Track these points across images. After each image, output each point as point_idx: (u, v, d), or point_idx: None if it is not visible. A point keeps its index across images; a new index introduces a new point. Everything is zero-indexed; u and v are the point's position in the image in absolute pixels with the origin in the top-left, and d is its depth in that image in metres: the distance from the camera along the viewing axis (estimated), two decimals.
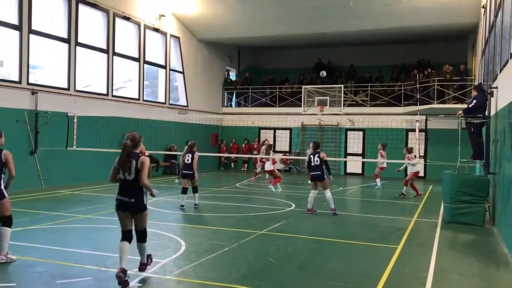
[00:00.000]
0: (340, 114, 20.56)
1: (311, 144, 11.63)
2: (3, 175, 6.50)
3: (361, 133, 23.37)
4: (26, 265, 6.45)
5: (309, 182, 11.76)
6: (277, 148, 25.28)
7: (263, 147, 17.15)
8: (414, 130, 12.47)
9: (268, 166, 15.99)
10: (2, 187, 6.48)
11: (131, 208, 5.81)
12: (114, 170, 5.97)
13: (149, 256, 6.27)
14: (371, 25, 21.48)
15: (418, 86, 21.04)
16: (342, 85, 21.23)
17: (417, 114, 13.35)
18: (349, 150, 23.73)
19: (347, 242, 8.47)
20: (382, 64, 26.00)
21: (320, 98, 20.66)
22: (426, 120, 12.20)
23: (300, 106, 21.62)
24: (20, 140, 14.41)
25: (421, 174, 22.53)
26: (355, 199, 15.35)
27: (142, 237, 6.02)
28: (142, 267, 6.18)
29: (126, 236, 5.85)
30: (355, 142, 22.82)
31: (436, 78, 20.50)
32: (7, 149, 6.77)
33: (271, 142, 25.19)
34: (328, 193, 11.24)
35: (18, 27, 14.58)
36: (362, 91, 24.30)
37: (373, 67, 25.87)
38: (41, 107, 15.12)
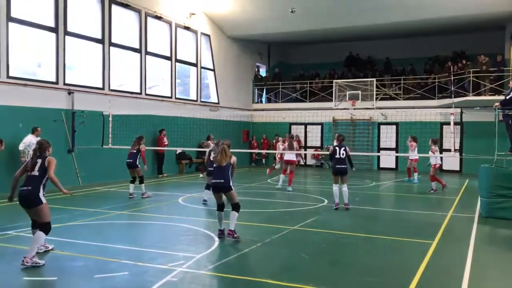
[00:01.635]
0: (373, 108, 20.30)
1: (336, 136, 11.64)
2: (44, 181, 6.57)
3: (394, 127, 23.02)
4: (66, 259, 6.68)
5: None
6: (308, 144, 25.21)
7: (285, 143, 15.53)
8: (448, 124, 12.21)
9: (291, 156, 14.85)
10: (41, 193, 6.48)
11: (223, 188, 7.86)
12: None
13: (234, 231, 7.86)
14: (404, 16, 21.08)
15: (452, 78, 20.54)
16: (374, 79, 20.94)
17: (452, 107, 13.05)
18: (382, 145, 23.41)
19: (381, 237, 8.39)
20: (415, 56, 25.51)
21: (351, 92, 20.46)
22: (461, 112, 11.91)
23: (331, 100, 21.45)
24: (58, 139, 14.86)
25: (457, 168, 22.17)
26: (389, 194, 15.14)
27: (235, 208, 7.98)
28: (229, 232, 7.85)
29: (220, 207, 8.05)
30: (388, 136, 22.49)
31: (471, 70, 19.95)
32: None
33: (302, 138, 25.18)
34: (345, 188, 11.14)
35: (54, 29, 15.02)
36: (395, 84, 23.90)
37: (405, 59, 25.40)
38: (77, 107, 15.54)
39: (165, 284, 5.65)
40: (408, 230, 9.12)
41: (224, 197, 8.14)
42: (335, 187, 11.19)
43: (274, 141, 24.50)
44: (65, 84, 15.37)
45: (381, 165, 23.84)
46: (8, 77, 13.54)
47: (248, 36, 25.08)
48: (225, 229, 7.98)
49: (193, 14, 21.63)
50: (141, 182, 12.73)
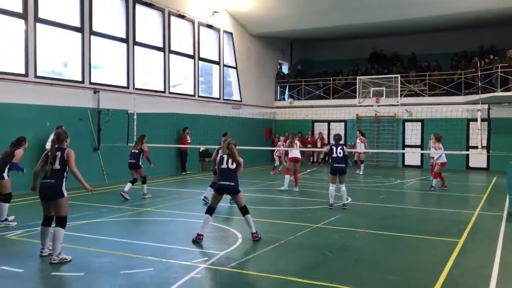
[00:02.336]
0: (397, 105, 20.03)
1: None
2: (66, 174, 6.57)
3: (419, 124, 22.68)
4: (93, 255, 6.80)
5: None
6: (331, 141, 25.01)
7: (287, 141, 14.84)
8: (475, 120, 11.94)
9: (295, 154, 14.31)
10: (64, 187, 6.52)
11: (231, 191, 7.69)
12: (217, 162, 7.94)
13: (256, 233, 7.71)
14: (429, 11, 20.72)
15: (479, 73, 20.10)
16: (398, 75, 20.65)
17: (479, 103, 12.77)
18: (407, 142, 23.10)
19: (405, 235, 8.28)
20: (440, 52, 25.04)
21: (375, 89, 20.22)
22: (489, 109, 11.65)
23: (355, 97, 21.25)
24: (84, 137, 15.14)
25: (484, 165, 21.71)
26: (413, 192, 14.93)
27: (245, 211, 7.71)
28: (254, 235, 7.69)
29: (211, 211, 7.68)
30: (413, 133, 22.17)
31: (499, 65, 19.49)
32: (72, 146, 7.05)
33: (325, 135, 25.02)
34: (344, 188, 10.92)
35: (80, 29, 15.28)
36: (420, 80, 23.53)
37: (430, 55, 24.97)
38: (103, 105, 15.79)
39: (189, 280, 5.71)
40: (434, 228, 8.97)
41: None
42: (332, 187, 10.93)
43: (308, 137, 24.48)
44: (90, 83, 15.63)
45: (406, 163, 23.52)
46: (36, 76, 13.84)
47: (270, 34, 25.03)
48: (204, 235, 7.56)
49: (215, 12, 21.71)
50: (143, 182, 12.37)
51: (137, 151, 12.40)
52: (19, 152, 8.91)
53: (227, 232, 8.39)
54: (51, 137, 13.11)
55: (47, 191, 6.44)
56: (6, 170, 8.83)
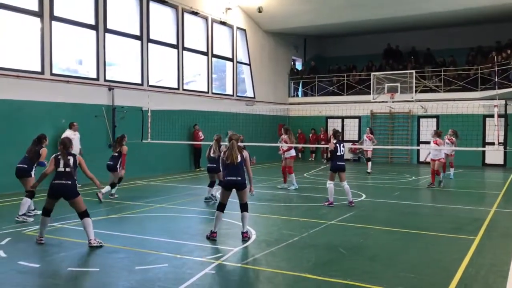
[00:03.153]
0: (412, 101, 19.84)
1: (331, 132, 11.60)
2: (76, 176, 7.34)
3: (434, 120, 22.45)
4: (108, 251, 6.87)
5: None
6: (346, 137, 24.90)
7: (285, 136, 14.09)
8: (492, 116, 11.78)
9: (293, 152, 14.04)
10: (76, 187, 7.30)
11: (239, 185, 7.52)
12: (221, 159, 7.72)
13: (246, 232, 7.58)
14: (445, 6, 20.46)
15: (496, 68, 19.80)
16: (413, 71, 20.45)
17: (496, 99, 12.59)
18: (422, 138, 22.86)
19: (420, 233, 8.22)
20: (455, 47, 24.74)
21: (390, 85, 20.05)
22: (506, 104, 11.48)
23: (369, 93, 21.09)
24: (99, 134, 15.27)
25: (501, 162, 21.42)
26: (429, 188, 14.78)
27: (245, 208, 7.62)
28: (245, 235, 7.52)
29: (222, 207, 7.60)
30: (428, 130, 21.92)
31: None
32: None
33: (340, 131, 24.86)
34: (347, 185, 10.79)
35: (94, 27, 15.39)
36: (435, 76, 23.27)
37: (446, 50, 24.66)
38: (118, 102, 15.90)
39: (203, 276, 5.73)
40: (449, 225, 8.88)
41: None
42: (331, 184, 10.79)
43: (321, 134, 24.40)
44: (105, 80, 15.75)
45: (421, 159, 23.29)
46: (52, 74, 13.99)
47: (283, 30, 24.95)
48: (217, 232, 7.51)
49: (229, 8, 21.70)
50: (113, 186, 11.50)
51: (116, 154, 11.75)
52: (44, 151, 9.43)
53: (241, 228, 8.39)
54: (64, 134, 13.39)
55: (63, 192, 7.13)
56: (34, 168, 9.30)
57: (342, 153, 10.84)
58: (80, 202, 7.13)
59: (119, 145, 11.84)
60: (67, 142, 7.45)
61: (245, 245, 7.21)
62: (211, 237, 7.44)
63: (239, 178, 7.53)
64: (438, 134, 14.15)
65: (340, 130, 11.37)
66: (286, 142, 13.67)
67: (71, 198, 7.09)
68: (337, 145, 10.82)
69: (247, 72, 23.62)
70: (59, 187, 7.08)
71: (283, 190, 13.38)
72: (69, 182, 7.09)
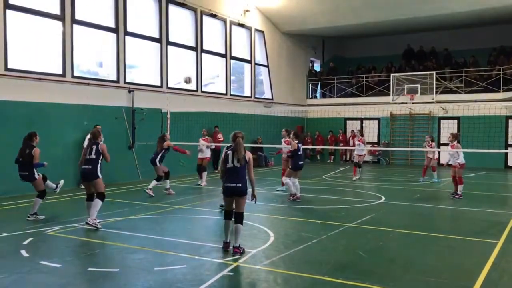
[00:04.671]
0: (433, 102, 19.59)
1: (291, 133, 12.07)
2: (100, 161, 8.54)
3: (455, 121, 22.12)
4: (127, 252, 6.94)
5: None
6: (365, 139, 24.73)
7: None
8: None
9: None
10: (98, 170, 8.50)
11: (239, 193, 6.81)
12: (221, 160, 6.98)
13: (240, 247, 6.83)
14: (466, 6, 20.16)
15: None
16: (434, 72, 20.19)
17: None
18: (443, 140, 22.53)
19: (441, 236, 8.09)
20: (477, 47, 24.35)
21: (410, 86, 19.84)
22: None
23: (389, 95, 20.91)
24: (119, 136, 15.44)
25: None
26: (449, 191, 14.56)
27: (240, 220, 6.89)
28: (235, 250, 6.80)
29: (228, 215, 6.99)
30: (449, 131, 21.58)
31: None
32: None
33: (300, 132, 24.51)
34: (297, 183, 11.64)
35: (114, 30, 15.59)
36: (456, 77, 22.93)
37: (467, 51, 24.29)
38: (137, 104, 16.06)
39: (221, 278, 5.74)
40: (471, 228, 8.74)
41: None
42: (291, 181, 11.49)
43: (340, 136, 24.32)
44: (125, 82, 15.92)
45: (442, 161, 22.93)
46: (73, 76, 14.20)
47: (302, 31, 24.89)
48: (231, 241, 6.90)
49: (247, 10, 21.75)
50: (159, 180, 12.27)
51: (161, 149, 12.56)
52: (36, 152, 9.19)
53: (259, 230, 8.40)
54: (89, 136, 13.63)
55: (86, 175, 8.51)
56: (35, 171, 9.19)
57: (301, 153, 11.64)
58: (98, 184, 8.44)
59: (159, 143, 12.68)
60: (96, 133, 8.76)
61: (263, 247, 7.19)
62: (226, 249, 6.86)
63: (240, 185, 6.75)
64: (455, 136, 12.70)
65: (298, 132, 11.99)
66: (287, 144, 13.16)
67: (92, 179, 8.44)
68: (299, 145, 11.60)
69: (265, 73, 23.62)
70: (83, 172, 8.51)
71: (303, 192, 13.30)
72: (90, 167, 8.42)
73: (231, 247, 6.83)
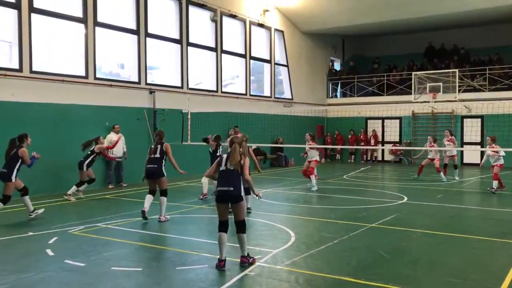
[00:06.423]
0: (455, 101, 19.27)
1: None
2: (164, 161, 9.19)
3: (479, 120, 21.72)
4: (150, 251, 7.02)
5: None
6: (386, 139, 24.48)
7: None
8: None
9: (317, 156, 13.91)
10: (163, 169, 9.17)
11: (231, 198, 6.16)
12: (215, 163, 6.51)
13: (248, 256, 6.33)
14: (488, 2, 19.77)
15: None
16: (456, 70, 19.86)
17: None
18: (466, 139, 22.17)
19: (466, 236, 7.96)
20: (501, 44, 23.86)
21: (432, 85, 19.55)
22: None
23: (410, 93, 20.63)
24: (141, 136, 15.59)
25: None
26: (473, 191, 14.32)
27: (241, 228, 6.24)
28: (243, 259, 6.27)
29: (223, 227, 6.21)
30: (472, 130, 21.25)
31: None
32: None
33: (379, 133, 24.46)
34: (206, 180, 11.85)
35: (136, 32, 15.75)
36: (480, 75, 22.52)
37: (491, 48, 23.83)
38: (158, 105, 16.21)
39: (243, 278, 5.76)
40: (497, 229, 8.57)
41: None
42: (206, 179, 11.68)
43: (361, 135, 24.15)
44: (146, 84, 16.08)
45: (465, 161, 22.59)
46: (95, 78, 14.41)
47: (321, 31, 24.75)
48: (226, 259, 6.15)
49: (266, 10, 21.74)
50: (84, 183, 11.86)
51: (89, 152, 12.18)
52: (24, 153, 9.15)
53: (280, 230, 8.39)
54: (108, 137, 13.84)
55: (152, 173, 9.12)
56: (15, 172, 9.08)
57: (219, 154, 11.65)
58: (162, 181, 9.09)
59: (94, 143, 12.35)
60: (160, 134, 9.35)
61: (284, 247, 7.18)
62: (219, 267, 6.03)
63: (231, 189, 6.14)
64: (493, 139, 13.21)
65: (219, 135, 12.57)
66: (312, 147, 13.79)
67: (157, 177, 9.11)
68: (218, 148, 11.96)
69: (285, 73, 23.58)
70: (149, 170, 9.09)
71: (318, 192, 13.25)
72: (155, 165, 9.07)
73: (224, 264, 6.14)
